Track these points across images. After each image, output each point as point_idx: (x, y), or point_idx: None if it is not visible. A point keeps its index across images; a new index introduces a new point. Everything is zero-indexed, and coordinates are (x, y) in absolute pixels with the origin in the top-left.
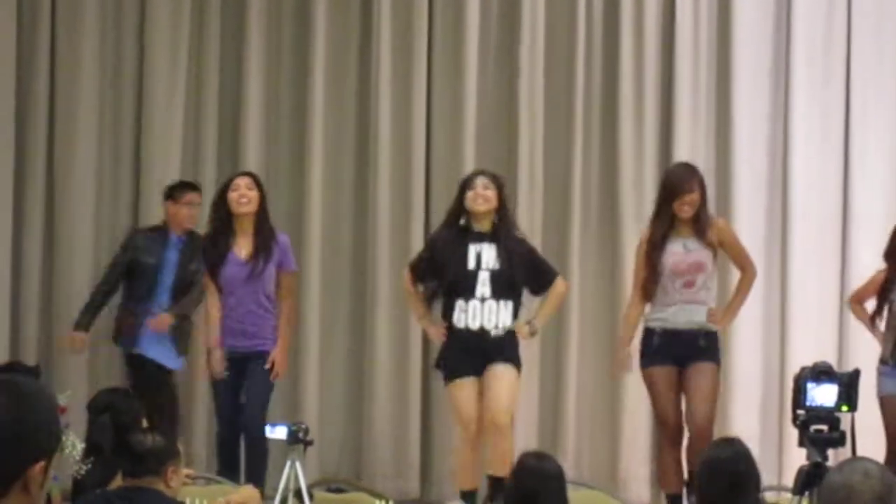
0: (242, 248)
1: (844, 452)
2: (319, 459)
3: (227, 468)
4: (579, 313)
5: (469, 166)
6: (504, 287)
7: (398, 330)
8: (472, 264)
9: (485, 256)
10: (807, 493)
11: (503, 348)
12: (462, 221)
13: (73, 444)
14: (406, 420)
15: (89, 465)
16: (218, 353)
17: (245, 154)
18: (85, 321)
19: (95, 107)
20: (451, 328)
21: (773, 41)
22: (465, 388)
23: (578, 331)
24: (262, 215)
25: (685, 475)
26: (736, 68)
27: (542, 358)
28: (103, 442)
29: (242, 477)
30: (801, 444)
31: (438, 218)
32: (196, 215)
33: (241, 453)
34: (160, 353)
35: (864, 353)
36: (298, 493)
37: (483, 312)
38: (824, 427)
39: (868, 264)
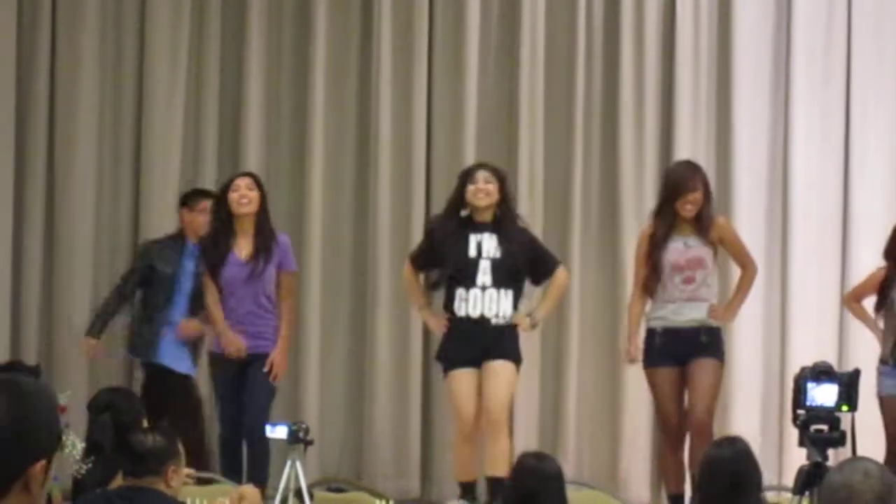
0: (243, 248)
1: (844, 452)
2: (320, 459)
3: (230, 469)
4: (580, 313)
5: None
6: (505, 276)
7: (399, 329)
8: (472, 253)
9: (485, 245)
10: (807, 493)
11: (503, 341)
12: (463, 213)
13: (74, 443)
14: (406, 420)
15: (89, 465)
16: (229, 332)
17: (245, 154)
18: (97, 328)
19: (95, 107)
20: (451, 318)
21: (773, 42)
22: (462, 379)
23: (579, 331)
24: (262, 216)
25: (687, 478)
26: (736, 70)
27: (543, 357)
28: (104, 441)
29: (244, 477)
30: (802, 443)
31: None
32: None
33: (243, 454)
34: (177, 360)
35: (864, 353)
36: (299, 493)
37: (484, 301)
38: (824, 427)
39: (868, 264)
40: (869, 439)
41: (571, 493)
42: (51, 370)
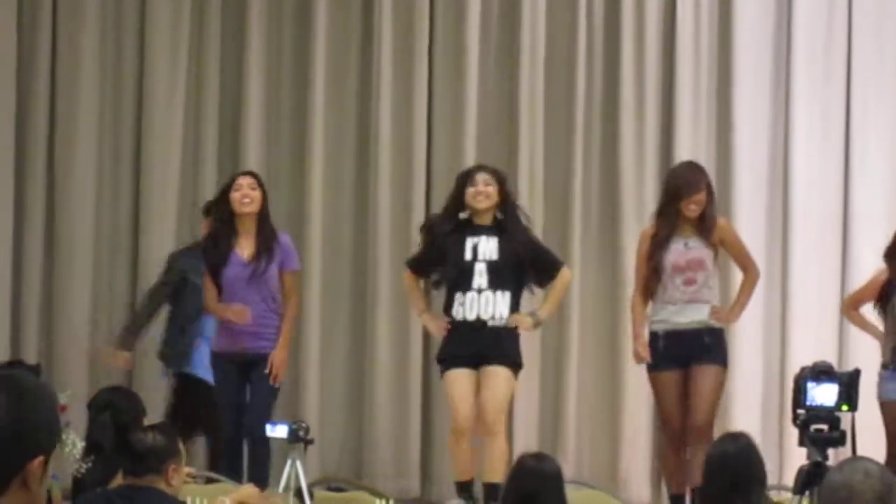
0: (245, 248)
1: (844, 452)
2: (320, 458)
3: (231, 468)
4: (580, 314)
5: None
6: (501, 278)
7: (398, 329)
8: (468, 256)
9: (482, 248)
10: (807, 493)
11: (502, 344)
12: (462, 216)
13: (74, 442)
14: (406, 419)
15: (89, 464)
16: (228, 307)
17: (245, 154)
18: (130, 341)
19: (95, 107)
20: (451, 322)
21: (773, 41)
22: (459, 378)
23: (579, 331)
24: (264, 215)
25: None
26: (736, 68)
27: (543, 358)
28: (104, 440)
29: (245, 477)
30: (802, 443)
31: None
32: None
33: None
34: (209, 371)
35: (864, 352)
36: (299, 492)
37: (480, 303)
38: (824, 426)
39: (868, 263)
40: (869, 439)
41: (571, 493)
42: (51, 370)
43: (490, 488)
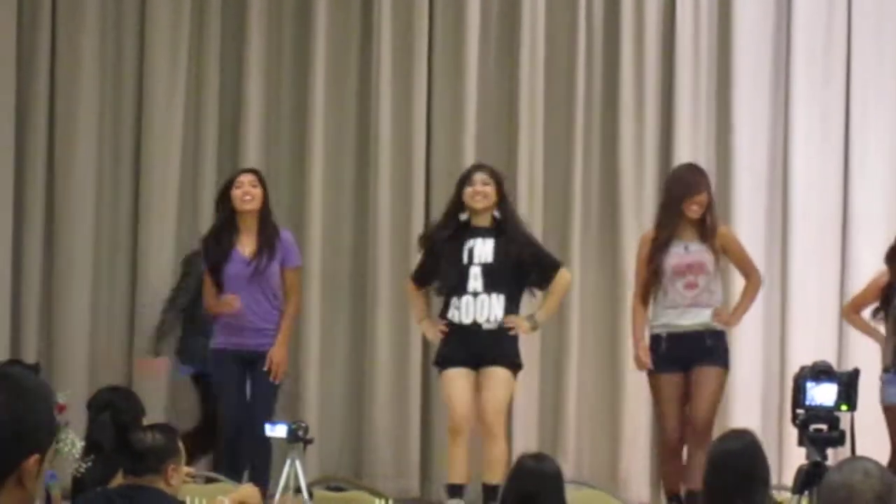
0: (246, 245)
1: (844, 452)
2: (319, 458)
3: (231, 468)
4: (579, 314)
5: None
6: (497, 280)
7: (398, 329)
8: (464, 260)
9: (477, 251)
10: (806, 493)
11: (501, 345)
12: (462, 217)
13: (73, 442)
14: (406, 419)
15: (89, 464)
16: (222, 299)
17: (245, 154)
18: (162, 347)
19: (95, 107)
20: (448, 325)
21: (773, 42)
22: (457, 379)
23: (578, 331)
24: (265, 212)
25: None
26: (736, 70)
27: (542, 358)
28: (103, 440)
29: (245, 477)
30: (801, 443)
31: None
32: None
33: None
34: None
35: (864, 353)
36: (298, 491)
37: (475, 307)
38: (824, 426)
39: (868, 265)
40: (869, 439)
41: (571, 492)
42: (51, 370)
43: (489, 489)
